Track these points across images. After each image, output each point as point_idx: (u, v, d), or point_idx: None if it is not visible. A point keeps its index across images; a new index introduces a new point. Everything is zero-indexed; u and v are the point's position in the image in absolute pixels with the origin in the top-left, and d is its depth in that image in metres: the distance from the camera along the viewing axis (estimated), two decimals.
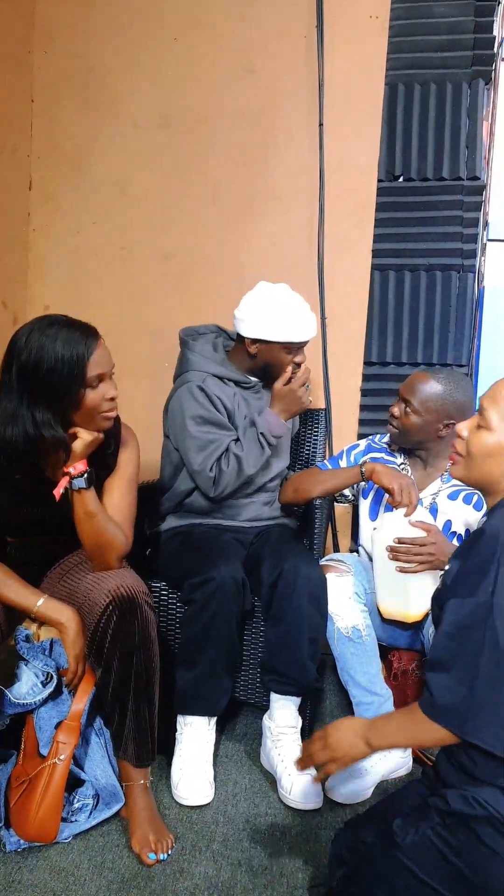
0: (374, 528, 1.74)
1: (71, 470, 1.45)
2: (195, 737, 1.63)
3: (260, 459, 1.79)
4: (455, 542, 1.70)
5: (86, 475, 1.46)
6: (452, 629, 1.10)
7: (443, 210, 2.32)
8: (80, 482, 1.45)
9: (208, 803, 1.57)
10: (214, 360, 1.88)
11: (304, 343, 1.86)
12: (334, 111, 2.34)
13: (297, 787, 1.57)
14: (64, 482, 1.45)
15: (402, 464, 1.87)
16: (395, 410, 1.80)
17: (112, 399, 1.47)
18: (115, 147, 2.50)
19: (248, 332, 1.84)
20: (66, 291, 2.56)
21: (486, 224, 2.34)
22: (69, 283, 2.57)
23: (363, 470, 1.74)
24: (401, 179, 2.35)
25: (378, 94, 2.33)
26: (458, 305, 2.33)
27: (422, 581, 1.64)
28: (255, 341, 1.84)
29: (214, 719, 1.66)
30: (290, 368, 1.84)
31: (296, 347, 1.84)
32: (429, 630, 1.66)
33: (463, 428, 1.20)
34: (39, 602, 1.44)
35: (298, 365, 1.85)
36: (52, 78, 2.51)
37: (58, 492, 1.45)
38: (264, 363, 1.87)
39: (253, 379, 1.91)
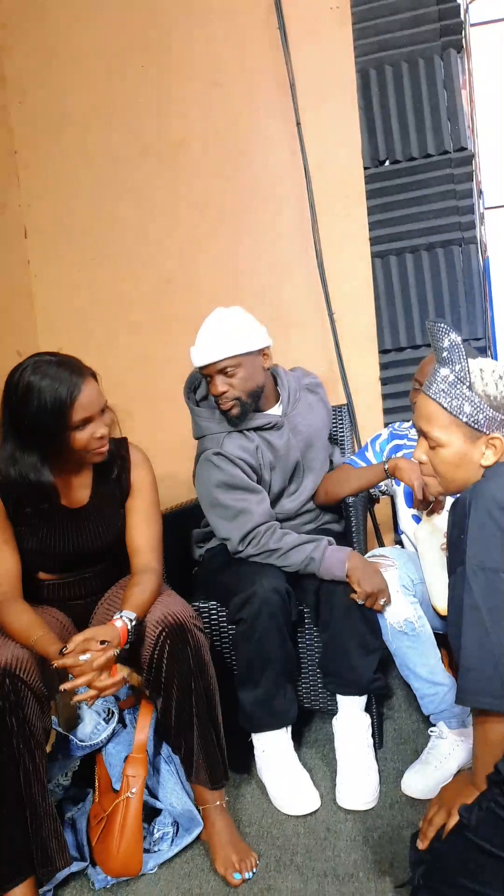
0: (415, 532, 1.72)
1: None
2: (277, 749, 1.63)
3: (298, 566, 1.66)
4: None
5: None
6: (451, 606, 1.15)
7: (434, 186, 2.29)
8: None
9: (316, 809, 1.57)
10: (225, 418, 1.79)
11: (204, 371, 1.75)
12: (309, 108, 2.34)
13: (347, 787, 1.57)
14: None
15: (415, 459, 1.85)
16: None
17: (101, 437, 1.47)
18: (100, 183, 2.55)
19: None
20: (74, 332, 2.61)
21: (480, 193, 2.30)
22: (76, 323, 2.62)
23: (386, 467, 1.73)
24: (386, 163, 2.33)
25: (350, 82, 2.32)
26: (465, 279, 2.29)
27: None
28: None
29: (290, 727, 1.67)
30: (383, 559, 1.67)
31: (205, 375, 1.76)
32: None
33: (420, 454, 1.25)
34: (34, 638, 1.38)
35: (219, 395, 1.72)
36: (30, 129, 2.58)
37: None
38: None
39: (273, 416, 1.81)
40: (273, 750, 1.63)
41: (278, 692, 1.62)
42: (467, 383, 1.16)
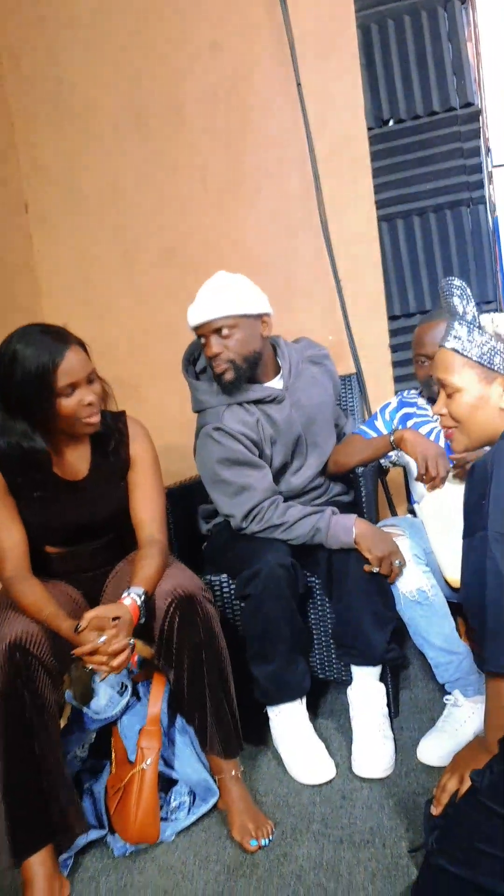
0: (420, 506, 1.70)
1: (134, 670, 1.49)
2: (292, 721, 1.64)
3: (304, 538, 1.65)
4: None
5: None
6: (466, 571, 1.15)
7: (440, 145, 2.23)
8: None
9: (332, 778, 1.58)
10: (219, 384, 1.75)
11: (199, 331, 1.70)
12: (310, 68, 2.27)
13: (362, 755, 1.58)
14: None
15: (435, 414, 1.82)
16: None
17: (90, 404, 1.45)
18: (98, 154, 2.50)
19: None
20: (78, 306, 2.58)
21: (488, 150, 2.23)
22: (80, 298, 2.59)
23: (392, 439, 1.70)
24: (391, 123, 2.26)
25: (351, 39, 2.24)
26: (474, 240, 2.24)
27: None
28: None
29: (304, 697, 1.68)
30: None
31: (199, 336, 1.71)
32: None
33: (439, 408, 1.27)
34: (45, 613, 1.38)
35: (214, 357, 1.68)
36: (26, 100, 2.53)
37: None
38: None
39: (273, 388, 1.78)
40: (287, 721, 1.64)
41: (289, 666, 1.62)
42: (477, 324, 1.20)
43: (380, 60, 2.22)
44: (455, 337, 1.23)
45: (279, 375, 1.82)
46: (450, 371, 1.24)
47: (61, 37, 2.46)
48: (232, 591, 1.79)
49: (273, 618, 1.58)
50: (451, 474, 1.63)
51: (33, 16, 2.47)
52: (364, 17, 2.22)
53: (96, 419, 1.49)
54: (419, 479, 1.64)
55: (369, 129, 2.27)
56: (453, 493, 1.61)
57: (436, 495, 1.64)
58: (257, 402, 1.76)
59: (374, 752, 1.58)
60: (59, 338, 1.42)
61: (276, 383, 1.81)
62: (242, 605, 1.65)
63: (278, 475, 1.80)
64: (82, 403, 1.45)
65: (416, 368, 1.84)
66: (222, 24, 2.33)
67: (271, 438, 1.76)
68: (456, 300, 1.25)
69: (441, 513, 1.63)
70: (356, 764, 1.58)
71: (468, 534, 1.16)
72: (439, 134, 2.22)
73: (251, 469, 1.70)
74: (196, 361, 1.86)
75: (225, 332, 1.67)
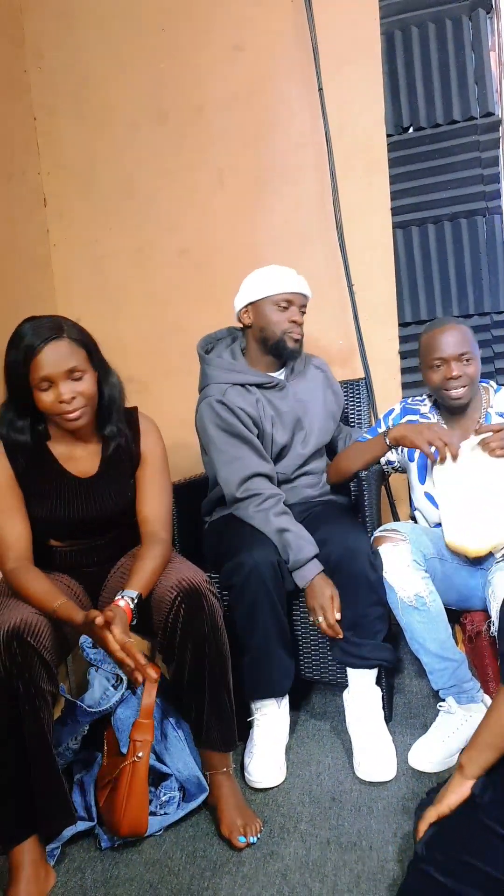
0: (433, 477, 1.73)
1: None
2: (266, 719, 1.65)
3: (276, 544, 1.69)
4: None
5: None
6: None
7: (459, 154, 2.23)
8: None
9: (280, 784, 1.59)
10: (233, 369, 1.85)
11: (290, 297, 1.83)
12: (332, 73, 2.27)
13: (367, 759, 1.57)
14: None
15: (439, 419, 1.82)
16: (457, 371, 1.70)
17: (64, 401, 1.42)
18: (117, 151, 2.52)
19: (237, 305, 1.88)
20: (92, 302, 2.60)
21: None
22: (94, 293, 2.61)
23: (388, 440, 1.71)
24: (410, 130, 2.26)
25: (375, 45, 2.24)
26: (489, 250, 2.23)
27: (488, 515, 1.63)
28: (245, 309, 1.86)
29: (284, 700, 1.68)
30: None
31: (282, 301, 1.82)
32: (487, 590, 1.60)
33: None
34: (57, 603, 1.40)
35: (295, 323, 1.84)
36: (49, 94, 2.55)
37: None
38: (260, 330, 1.84)
39: (276, 377, 1.88)
40: (261, 720, 1.66)
41: (266, 660, 1.63)
42: None
43: (402, 68, 2.23)
44: None
45: (281, 370, 1.93)
46: None
47: (86, 34, 2.48)
48: None
49: (253, 610, 1.60)
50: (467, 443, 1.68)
51: (59, 12, 2.49)
52: (388, 24, 2.22)
53: (76, 415, 1.45)
54: (430, 457, 1.66)
55: (388, 135, 2.27)
56: (466, 461, 1.67)
57: (446, 469, 1.69)
58: (259, 385, 1.85)
59: (378, 756, 1.58)
60: (50, 328, 1.41)
61: (279, 374, 1.92)
62: (226, 597, 1.67)
63: (279, 456, 1.87)
64: (58, 399, 1.43)
65: (429, 374, 1.76)
66: (246, 26, 2.34)
67: (272, 419, 1.84)
68: None
69: (451, 480, 1.68)
70: (361, 768, 1.58)
71: None
72: (458, 143, 2.22)
73: (244, 443, 1.78)
74: (210, 351, 1.93)
75: (304, 309, 1.88)
